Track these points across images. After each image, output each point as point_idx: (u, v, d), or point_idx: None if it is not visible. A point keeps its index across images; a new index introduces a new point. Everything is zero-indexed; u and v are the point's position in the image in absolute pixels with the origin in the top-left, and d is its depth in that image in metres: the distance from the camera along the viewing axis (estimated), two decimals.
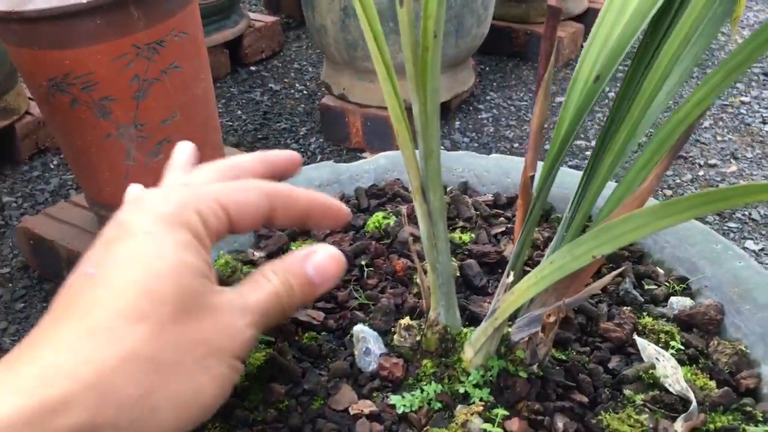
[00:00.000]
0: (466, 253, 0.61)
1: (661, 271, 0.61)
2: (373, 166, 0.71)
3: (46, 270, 1.56)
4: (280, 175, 0.47)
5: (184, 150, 0.48)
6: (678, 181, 1.99)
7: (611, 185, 0.46)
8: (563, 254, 0.38)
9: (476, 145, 2.17)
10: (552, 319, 0.43)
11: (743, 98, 2.46)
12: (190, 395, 0.34)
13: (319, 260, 0.41)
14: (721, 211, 1.82)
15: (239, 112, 2.39)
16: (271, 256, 0.60)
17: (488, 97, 2.46)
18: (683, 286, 0.59)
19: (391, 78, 0.37)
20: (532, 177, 0.44)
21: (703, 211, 0.31)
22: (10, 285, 1.59)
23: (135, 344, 0.32)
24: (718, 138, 2.21)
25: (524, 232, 0.42)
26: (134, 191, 0.45)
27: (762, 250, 1.70)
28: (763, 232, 1.76)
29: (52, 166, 2.05)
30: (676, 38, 0.34)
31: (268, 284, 0.39)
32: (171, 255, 0.35)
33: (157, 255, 0.34)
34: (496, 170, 0.72)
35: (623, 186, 0.40)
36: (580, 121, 0.39)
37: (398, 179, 0.70)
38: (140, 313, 0.33)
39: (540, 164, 0.43)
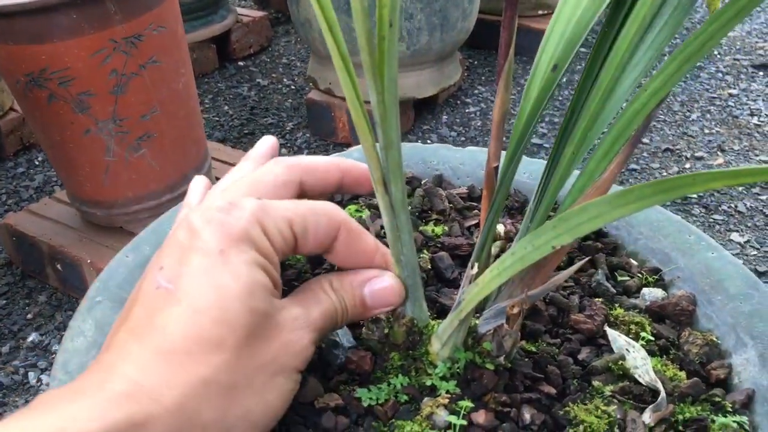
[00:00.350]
0: (439, 245, 0.60)
1: (634, 262, 0.61)
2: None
3: (29, 266, 1.55)
4: (352, 187, 0.48)
5: (264, 143, 0.50)
6: (665, 174, 1.99)
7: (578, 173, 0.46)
8: (524, 245, 0.38)
9: (463, 139, 2.16)
10: (516, 310, 0.43)
11: (731, 90, 2.47)
12: (261, 411, 0.37)
13: (379, 288, 0.44)
14: (676, 199, 1.83)
15: (226, 107, 2.38)
16: None
17: (476, 91, 2.45)
18: (656, 277, 0.59)
19: (347, 69, 0.37)
20: (496, 168, 0.44)
21: (656, 200, 0.30)
22: None
23: (212, 370, 0.34)
24: (706, 130, 2.21)
25: (488, 223, 0.42)
26: (198, 185, 0.46)
27: (747, 242, 1.71)
28: (749, 224, 1.77)
29: (36, 163, 2.04)
30: (631, 28, 0.33)
31: (327, 300, 0.41)
32: (243, 275, 0.36)
33: (230, 275, 0.35)
34: (471, 163, 0.71)
35: (585, 176, 0.40)
36: (540, 111, 0.39)
37: None
38: (217, 340, 0.34)
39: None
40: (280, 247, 0.39)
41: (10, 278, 1.59)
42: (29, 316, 1.50)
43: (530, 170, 0.70)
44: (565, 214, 0.35)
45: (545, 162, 0.70)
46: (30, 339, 1.44)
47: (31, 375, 1.37)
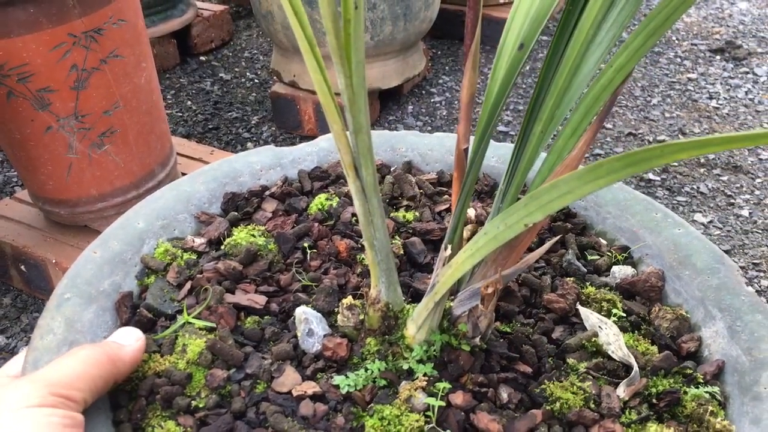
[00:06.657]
0: (410, 231, 0.61)
1: (603, 241, 0.62)
2: (315, 149, 0.70)
3: None
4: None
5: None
6: None
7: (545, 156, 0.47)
8: (496, 224, 0.38)
9: (429, 128, 2.17)
10: (490, 290, 0.43)
11: (690, 75, 2.51)
12: None
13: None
14: (640, 173, 1.86)
15: (189, 102, 2.35)
16: (211, 242, 0.59)
17: (441, 81, 2.46)
18: (625, 255, 0.60)
19: (314, 51, 0.37)
20: (466, 150, 0.44)
21: (627, 172, 0.31)
22: None
23: None
24: (667, 114, 2.24)
25: (459, 204, 0.42)
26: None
27: (710, 222, 1.74)
28: (711, 205, 1.80)
29: None
30: (595, 4, 0.34)
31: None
32: None
33: None
34: (440, 148, 0.71)
35: (553, 154, 0.40)
36: (508, 91, 0.39)
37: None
38: None
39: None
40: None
41: None
42: None
43: (498, 154, 0.70)
44: (536, 192, 0.35)
45: (510, 145, 0.71)
46: None
47: None
